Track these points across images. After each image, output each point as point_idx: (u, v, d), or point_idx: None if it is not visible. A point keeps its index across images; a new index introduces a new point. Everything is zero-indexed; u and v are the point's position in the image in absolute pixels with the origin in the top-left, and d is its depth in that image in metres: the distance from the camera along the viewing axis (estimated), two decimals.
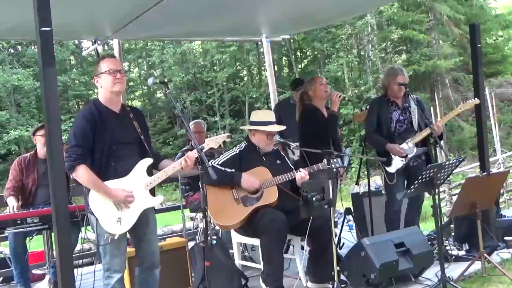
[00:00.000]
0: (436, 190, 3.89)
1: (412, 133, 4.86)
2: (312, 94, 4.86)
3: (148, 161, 3.33)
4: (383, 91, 5.11)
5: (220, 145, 3.62)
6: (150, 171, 3.38)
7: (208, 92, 26.38)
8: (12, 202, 4.46)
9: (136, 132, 3.35)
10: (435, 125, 4.72)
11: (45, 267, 4.98)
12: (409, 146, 4.78)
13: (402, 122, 4.92)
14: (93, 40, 5.77)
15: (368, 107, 5.26)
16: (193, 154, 3.36)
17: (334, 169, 3.85)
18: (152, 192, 3.36)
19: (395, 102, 4.95)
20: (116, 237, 3.15)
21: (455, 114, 5.08)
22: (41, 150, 4.64)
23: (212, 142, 3.44)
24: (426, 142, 4.91)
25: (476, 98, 5.03)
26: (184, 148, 5.89)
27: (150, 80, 3.51)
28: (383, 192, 5.28)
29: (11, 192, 4.57)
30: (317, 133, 4.74)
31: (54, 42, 2.91)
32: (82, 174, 3.11)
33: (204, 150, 3.34)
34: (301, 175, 4.10)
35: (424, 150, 4.89)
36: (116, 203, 3.17)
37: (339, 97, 4.80)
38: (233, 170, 4.14)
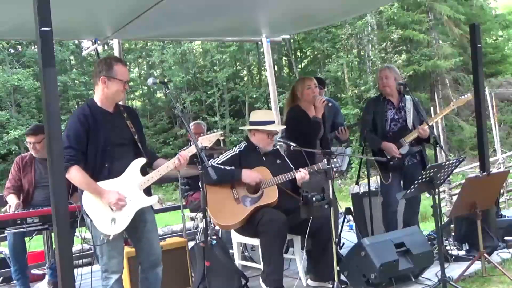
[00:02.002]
0: (436, 190, 3.89)
1: (406, 132, 4.88)
2: (300, 96, 4.82)
3: (141, 160, 3.33)
4: (379, 90, 5.16)
5: (219, 144, 3.62)
6: (145, 170, 3.37)
7: (208, 92, 26.38)
8: (12, 200, 4.47)
9: (130, 132, 3.35)
10: (421, 128, 4.75)
11: (45, 267, 4.98)
12: (403, 145, 4.82)
13: (397, 121, 4.95)
14: (93, 40, 5.76)
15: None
16: (186, 153, 3.36)
17: (334, 169, 3.85)
18: (147, 191, 3.36)
19: (390, 101, 4.98)
20: (111, 238, 3.14)
21: (447, 111, 5.09)
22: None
23: (205, 140, 3.44)
24: (421, 141, 4.93)
25: (468, 94, 5.04)
26: (184, 148, 5.89)
27: (150, 80, 3.51)
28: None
29: (10, 191, 4.59)
30: (301, 134, 4.68)
31: (54, 42, 2.91)
32: (75, 175, 3.11)
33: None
34: (301, 175, 4.10)
35: (418, 149, 4.91)
36: (109, 204, 3.17)
37: (322, 102, 4.75)
38: (232, 167, 4.14)
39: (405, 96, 4.96)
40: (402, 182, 4.97)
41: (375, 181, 5.35)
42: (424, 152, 5.01)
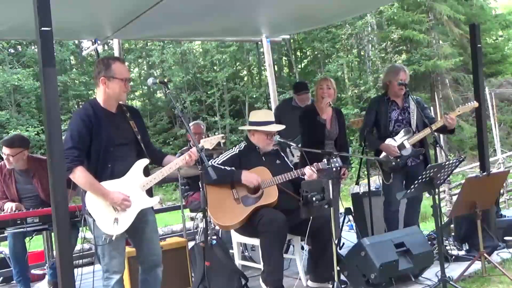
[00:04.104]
0: (436, 190, 3.89)
1: (409, 134, 4.86)
2: (315, 96, 4.98)
3: (144, 161, 3.33)
4: (384, 90, 5.10)
5: (219, 144, 3.62)
6: (147, 171, 3.37)
7: (208, 92, 26.36)
8: (9, 205, 4.45)
9: (132, 132, 3.35)
10: (449, 117, 4.68)
11: (45, 267, 4.98)
12: (406, 147, 4.79)
13: (401, 122, 4.92)
14: (93, 40, 5.77)
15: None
16: (195, 149, 3.36)
17: (334, 169, 3.85)
18: (149, 192, 3.36)
19: (395, 101, 4.95)
20: (113, 238, 3.14)
21: (454, 115, 5.01)
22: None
23: (206, 143, 3.44)
24: (423, 143, 4.92)
25: (475, 101, 5.01)
26: (184, 148, 5.90)
27: (150, 80, 3.50)
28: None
29: (4, 201, 4.54)
30: (307, 133, 4.84)
31: (54, 42, 2.91)
32: (79, 176, 3.10)
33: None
34: (310, 172, 4.09)
35: (420, 151, 4.90)
36: (113, 204, 3.17)
37: (326, 104, 4.82)
38: (232, 168, 4.14)
39: (409, 96, 4.94)
40: (404, 182, 4.97)
41: (375, 181, 5.35)
42: (427, 153, 4.98)
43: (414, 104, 4.87)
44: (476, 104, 4.94)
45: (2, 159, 4.63)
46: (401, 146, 4.80)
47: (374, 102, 5.15)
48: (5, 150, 4.52)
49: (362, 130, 5.08)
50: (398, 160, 4.75)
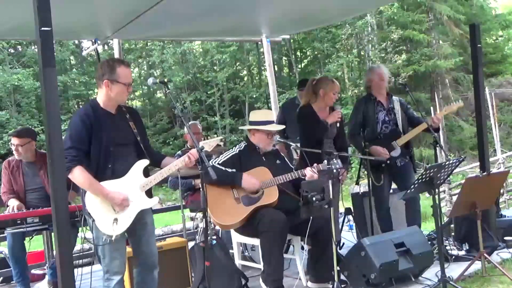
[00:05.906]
0: (436, 190, 3.89)
1: (396, 135, 4.91)
2: (322, 95, 4.86)
3: (144, 162, 3.33)
4: (368, 90, 5.14)
5: (219, 145, 3.62)
6: (147, 172, 3.38)
7: (208, 92, 26.35)
8: (13, 203, 4.47)
9: (132, 133, 3.35)
10: (435, 117, 4.79)
11: (45, 267, 4.98)
12: (395, 148, 4.85)
13: (388, 123, 4.97)
14: (93, 40, 5.77)
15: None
16: (195, 151, 3.36)
17: (334, 170, 3.84)
18: (149, 193, 3.36)
19: (380, 102, 4.99)
20: (113, 239, 3.14)
21: (441, 115, 5.06)
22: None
23: (206, 145, 3.45)
24: (409, 142, 4.98)
25: (459, 101, 5.07)
26: (184, 148, 5.90)
27: (150, 80, 3.51)
28: None
29: (9, 196, 4.58)
30: (308, 133, 4.81)
31: (54, 42, 2.91)
32: (78, 175, 3.10)
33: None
34: (310, 173, 4.09)
35: (409, 153, 4.98)
36: (112, 204, 3.17)
37: (338, 116, 4.81)
38: (233, 170, 4.14)
39: (393, 97, 5.01)
40: (392, 182, 5.06)
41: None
42: (412, 152, 5.10)
43: (398, 104, 4.96)
44: (461, 104, 5.01)
45: (7, 155, 4.70)
46: (390, 148, 4.84)
47: (361, 102, 5.16)
48: (14, 141, 4.62)
49: (351, 131, 5.09)
50: (388, 162, 4.80)
